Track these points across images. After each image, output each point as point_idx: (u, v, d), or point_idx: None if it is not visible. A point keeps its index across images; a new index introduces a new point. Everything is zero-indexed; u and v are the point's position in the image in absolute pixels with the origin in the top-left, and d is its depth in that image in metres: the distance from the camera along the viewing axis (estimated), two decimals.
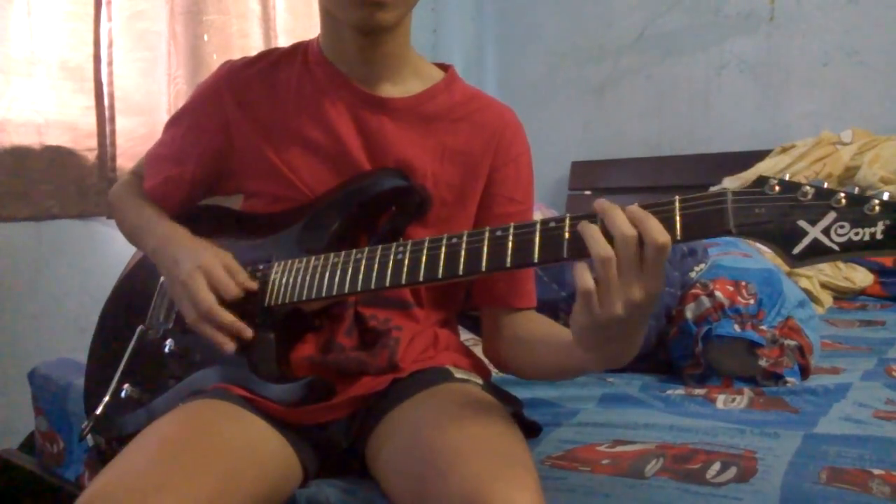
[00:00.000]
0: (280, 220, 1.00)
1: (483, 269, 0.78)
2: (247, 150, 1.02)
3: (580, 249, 0.71)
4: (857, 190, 0.64)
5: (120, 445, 0.84)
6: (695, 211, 0.68)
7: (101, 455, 1.02)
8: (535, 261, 0.75)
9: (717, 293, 1.32)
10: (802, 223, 0.64)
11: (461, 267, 0.79)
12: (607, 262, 0.68)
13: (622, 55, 2.98)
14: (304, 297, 0.90)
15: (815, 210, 0.64)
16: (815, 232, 0.64)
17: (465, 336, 1.19)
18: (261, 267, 0.96)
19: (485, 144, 1.01)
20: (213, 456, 0.78)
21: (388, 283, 0.84)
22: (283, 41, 2.52)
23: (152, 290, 1.06)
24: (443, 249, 0.81)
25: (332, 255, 0.90)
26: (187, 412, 0.86)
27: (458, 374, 0.94)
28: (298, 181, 1.00)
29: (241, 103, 1.02)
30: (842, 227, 0.63)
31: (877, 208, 0.62)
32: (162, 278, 1.05)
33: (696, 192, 0.71)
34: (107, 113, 2.18)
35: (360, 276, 0.86)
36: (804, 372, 1.28)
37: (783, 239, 0.65)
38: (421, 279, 0.82)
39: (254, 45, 2.44)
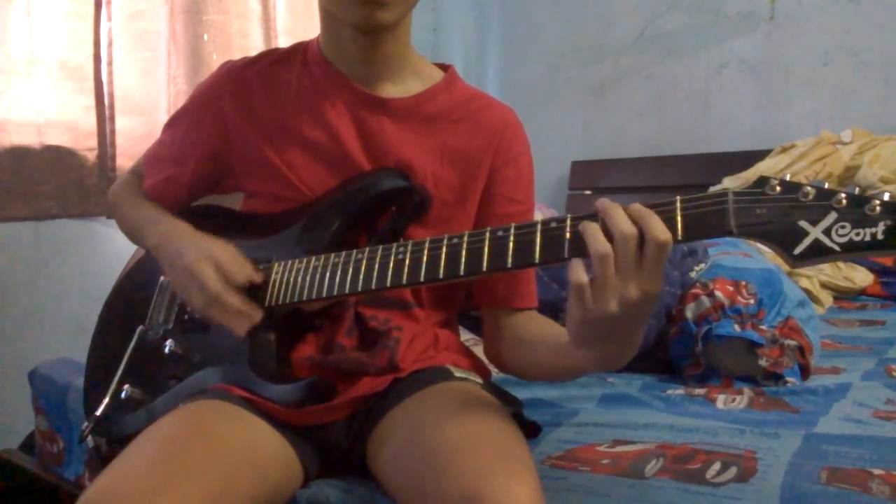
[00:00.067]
0: (280, 221, 1.00)
1: (484, 269, 0.78)
2: (246, 150, 1.02)
3: (581, 249, 0.71)
4: (857, 190, 0.65)
5: (120, 446, 0.84)
6: (696, 211, 0.69)
7: (101, 455, 1.02)
8: (536, 261, 0.75)
9: (718, 293, 1.32)
10: (803, 223, 0.65)
11: (462, 267, 0.79)
12: (605, 259, 0.68)
13: (622, 55, 2.98)
14: (304, 298, 0.90)
15: (816, 210, 0.64)
16: (816, 232, 0.64)
17: (466, 336, 1.19)
18: (261, 267, 0.96)
19: (485, 144, 1.01)
20: (213, 457, 0.78)
21: (388, 284, 0.84)
22: (283, 41, 2.52)
23: (152, 290, 1.06)
24: (444, 250, 0.81)
25: (332, 255, 0.90)
26: (187, 413, 0.86)
27: (458, 374, 0.94)
28: (298, 181, 1.00)
29: (240, 103, 1.02)
30: (843, 227, 0.63)
31: (877, 209, 0.62)
32: (162, 278, 1.05)
33: (696, 191, 0.71)
34: (107, 113, 2.18)
35: (361, 277, 0.86)
36: (804, 372, 1.28)
37: (784, 239, 0.65)
38: (422, 279, 0.82)
39: (254, 45, 2.44)
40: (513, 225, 0.77)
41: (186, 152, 1.06)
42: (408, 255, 0.83)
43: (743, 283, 1.34)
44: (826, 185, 0.66)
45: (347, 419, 0.92)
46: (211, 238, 0.97)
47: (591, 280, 0.70)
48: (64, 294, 2.15)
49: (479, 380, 0.97)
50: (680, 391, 1.25)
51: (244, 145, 1.02)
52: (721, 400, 1.19)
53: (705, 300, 1.33)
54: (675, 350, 1.36)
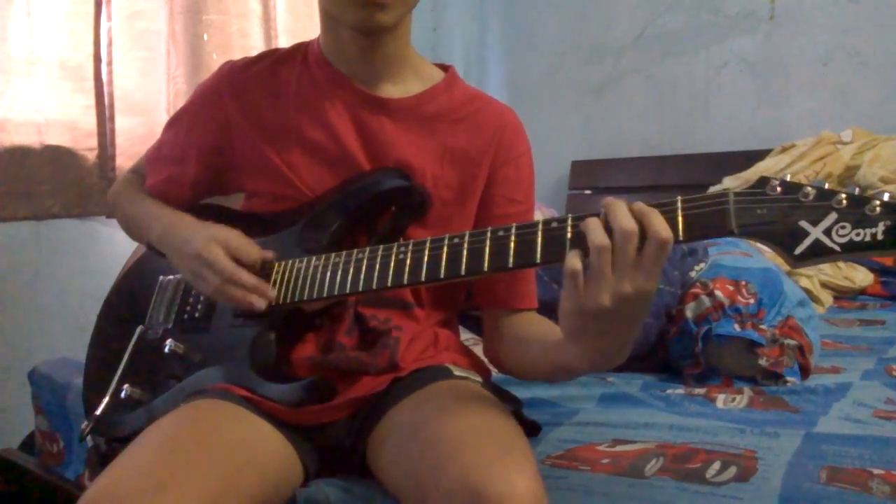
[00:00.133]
0: (280, 220, 1.01)
1: (485, 269, 0.78)
2: (247, 149, 1.03)
3: (582, 249, 0.71)
4: (857, 191, 0.65)
5: (120, 446, 0.84)
6: (697, 211, 0.69)
7: (101, 455, 1.02)
8: (537, 261, 0.75)
9: (718, 292, 1.32)
10: (804, 224, 0.65)
11: (463, 267, 0.79)
12: (603, 251, 0.69)
13: (622, 55, 2.98)
14: (305, 297, 0.90)
15: (816, 211, 0.65)
16: (816, 232, 0.64)
17: (466, 336, 1.20)
18: (261, 267, 0.96)
19: (485, 145, 1.01)
20: (214, 456, 0.78)
21: (389, 284, 0.84)
22: (284, 41, 2.53)
23: (151, 289, 1.06)
24: (444, 250, 0.81)
25: (333, 255, 0.90)
26: (188, 412, 0.86)
27: (458, 372, 0.95)
28: (298, 181, 1.00)
29: (241, 103, 1.02)
30: (843, 227, 0.63)
31: (877, 209, 0.62)
32: (161, 277, 1.06)
33: (697, 191, 0.71)
34: (107, 112, 2.18)
35: (362, 276, 0.86)
36: (804, 371, 1.28)
37: (785, 239, 0.65)
38: (423, 279, 0.82)
39: (254, 45, 2.44)
40: (514, 225, 0.77)
41: (188, 151, 1.06)
42: (409, 255, 0.83)
43: (743, 282, 1.34)
44: (826, 186, 0.66)
45: (348, 419, 0.92)
46: (216, 224, 0.97)
47: (587, 271, 0.70)
48: (64, 294, 2.15)
49: (479, 379, 0.97)
50: (680, 391, 1.25)
51: (245, 145, 1.02)
52: (721, 399, 1.19)
53: (705, 300, 1.33)
54: (675, 350, 1.36)
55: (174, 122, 1.11)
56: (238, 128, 1.02)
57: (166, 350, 0.98)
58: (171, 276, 1.05)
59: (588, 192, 3.01)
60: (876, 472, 0.85)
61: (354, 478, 0.91)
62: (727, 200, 0.68)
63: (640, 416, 1.10)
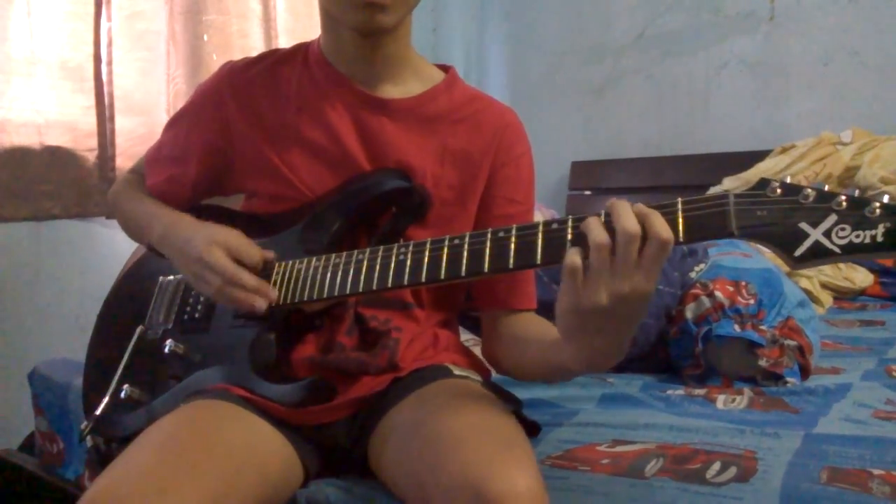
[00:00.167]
0: (280, 221, 1.01)
1: (485, 270, 0.78)
2: (247, 150, 1.03)
3: (583, 247, 0.71)
4: (857, 192, 0.65)
5: (120, 446, 0.84)
6: (698, 213, 0.69)
7: (101, 455, 1.02)
8: (538, 262, 0.75)
9: (718, 293, 1.32)
10: (804, 225, 0.65)
11: (463, 268, 0.79)
12: (602, 248, 0.69)
13: (622, 55, 2.99)
14: (305, 298, 0.90)
15: (816, 212, 0.65)
16: (816, 234, 0.64)
17: (466, 336, 1.19)
18: (262, 268, 0.96)
19: (485, 145, 1.01)
20: (214, 457, 0.78)
21: (389, 284, 0.84)
22: (284, 41, 2.53)
23: (151, 290, 1.06)
24: (445, 250, 0.81)
25: (333, 255, 0.90)
26: (188, 413, 0.86)
27: (458, 372, 0.95)
28: (298, 181, 1.00)
29: (241, 104, 1.02)
30: (843, 229, 0.64)
31: (877, 211, 0.63)
32: (161, 278, 1.06)
33: (697, 191, 0.72)
34: (107, 113, 2.18)
35: (363, 277, 0.86)
36: (804, 372, 1.28)
37: (785, 241, 0.66)
38: (423, 280, 0.82)
39: (254, 45, 2.44)
40: (514, 226, 0.77)
41: (188, 152, 1.06)
42: (409, 255, 0.83)
43: (743, 283, 1.34)
44: (826, 187, 0.66)
45: (348, 419, 0.92)
46: (216, 225, 0.97)
47: (586, 269, 0.70)
48: (64, 294, 2.15)
49: (479, 378, 0.97)
50: (680, 391, 1.25)
51: (245, 145, 1.02)
52: (721, 400, 1.19)
53: (705, 300, 1.33)
54: (675, 350, 1.36)
55: (174, 123, 1.11)
56: (238, 128, 1.02)
57: (166, 350, 0.98)
58: (171, 277, 1.05)
59: (588, 192, 3.01)
60: (876, 472, 0.85)
61: (354, 478, 0.91)
62: (727, 202, 0.68)
63: (641, 416, 1.10)
